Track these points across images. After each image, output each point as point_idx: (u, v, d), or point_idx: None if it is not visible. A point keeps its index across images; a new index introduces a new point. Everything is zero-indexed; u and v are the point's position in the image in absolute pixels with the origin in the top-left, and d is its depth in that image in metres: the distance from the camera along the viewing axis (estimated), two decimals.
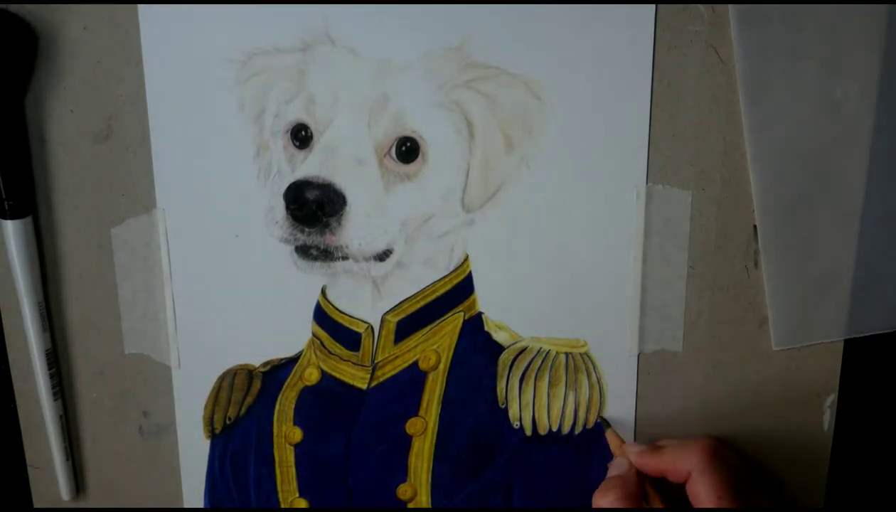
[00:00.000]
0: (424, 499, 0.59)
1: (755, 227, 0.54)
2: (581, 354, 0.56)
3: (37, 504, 0.61)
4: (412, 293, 0.56)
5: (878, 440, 0.60)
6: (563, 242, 0.55)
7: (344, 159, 0.53)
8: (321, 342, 0.57)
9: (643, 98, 0.52)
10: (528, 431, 0.57)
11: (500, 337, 0.57)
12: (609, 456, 0.57)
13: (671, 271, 0.55)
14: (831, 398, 0.58)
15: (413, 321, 0.56)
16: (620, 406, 0.57)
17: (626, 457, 0.55)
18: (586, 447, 0.57)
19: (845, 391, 0.58)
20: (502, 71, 0.52)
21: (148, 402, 0.58)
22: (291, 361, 0.58)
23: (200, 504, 0.60)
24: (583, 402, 0.57)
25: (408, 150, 0.53)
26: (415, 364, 0.57)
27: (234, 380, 0.58)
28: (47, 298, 0.56)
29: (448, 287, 0.56)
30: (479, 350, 0.57)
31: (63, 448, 0.58)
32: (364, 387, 0.57)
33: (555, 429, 0.57)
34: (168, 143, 0.54)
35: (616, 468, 0.55)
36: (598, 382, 0.57)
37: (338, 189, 0.52)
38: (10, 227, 0.53)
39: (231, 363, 0.58)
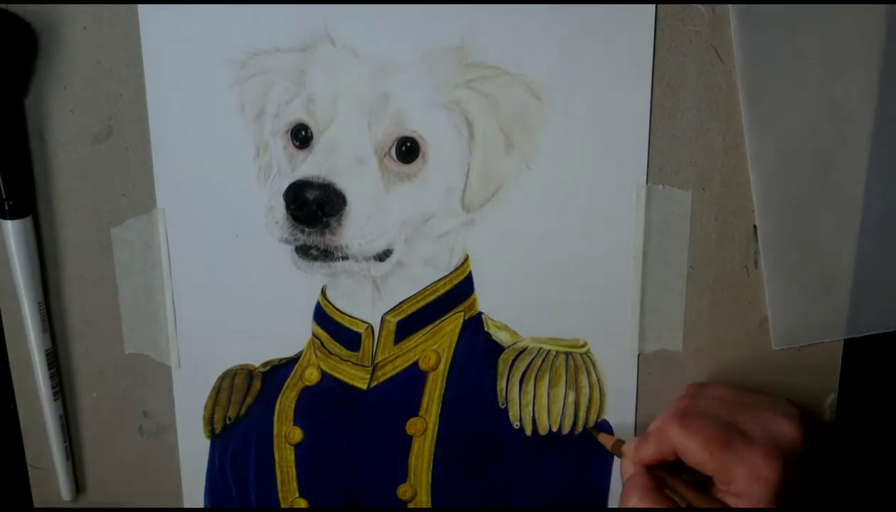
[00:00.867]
0: (424, 499, 0.59)
1: (755, 227, 0.54)
2: (581, 354, 0.56)
3: (37, 504, 0.61)
4: (412, 293, 0.56)
5: (879, 440, 0.60)
6: (563, 242, 0.55)
7: (344, 159, 0.53)
8: (321, 342, 0.57)
9: (643, 98, 0.52)
10: (528, 432, 0.57)
11: (500, 337, 0.57)
12: (609, 456, 0.57)
13: (671, 271, 0.55)
14: (831, 398, 0.58)
15: (413, 321, 0.56)
16: (620, 406, 0.57)
17: (624, 453, 0.54)
18: (586, 447, 0.57)
19: (845, 391, 0.58)
20: (502, 71, 0.52)
21: (148, 402, 0.58)
22: (291, 361, 0.58)
23: (200, 504, 0.60)
24: (583, 402, 0.57)
25: (408, 150, 0.53)
26: (415, 364, 0.57)
27: (234, 380, 0.58)
28: (47, 298, 0.56)
29: (448, 287, 0.56)
30: (479, 350, 0.57)
31: (63, 448, 0.58)
32: (364, 387, 0.57)
33: (555, 429, 0.57)
34: (168, 143, 0.54)
35: (625, 472, 0.54)
36: (598, 382, 0.57)
37: (338, 189, 0.52)
38: (10, 227, 0.53)
39: (231, 363, 0.58)
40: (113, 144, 0.54)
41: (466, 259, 0.55)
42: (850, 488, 0.60)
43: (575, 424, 0.57)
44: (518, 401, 0.57)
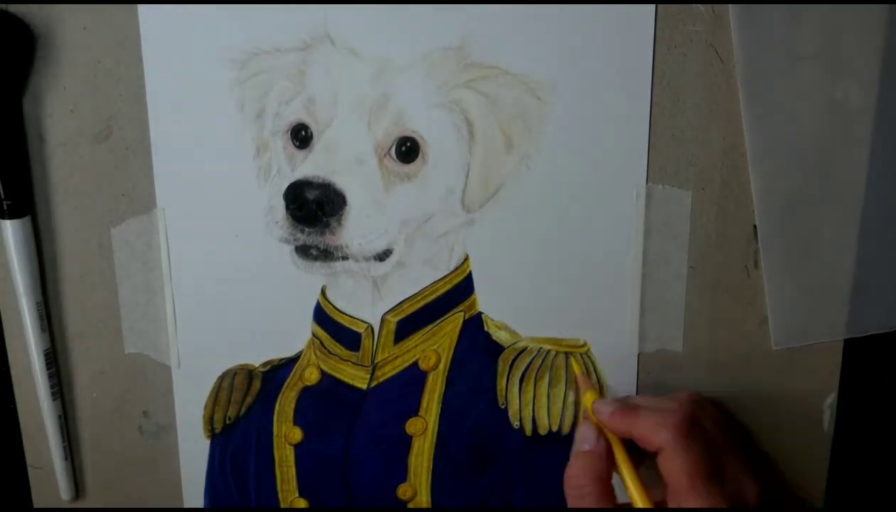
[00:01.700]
0: (424, 499, 0.59)
1: (755, 227, 0.54)
2: (581, 355, 0.56)
3: (37, 504, 0.61)
4: (412, 293, 0.56)
5: (878, 440, 0.60)
6: (563, 242, 0.55)
7: (344, 159, 0.53)
8: (321, 342, 0.57)
9: (643, 98, 0.52)
10: (528, 431, 0.57)
11: (500, 337, 0.57)
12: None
13: (671, 271, 0.55)
14: (831, 398, 0.58)
15: (413, 321, 0.56)
16: None
17: (596, 415, 0.51)
18: None
19: (845, 391, 0.58)
20: (502, 71, 0.52)
21: (148, 402, 0.58)
22: (291, 361, 0.58)
23: (200, 504, 0.60)
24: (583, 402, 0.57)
25: (408, 150, 0.53)
26: (415, 364, 0.57)
27: (234, 380, 0.58)
28: (46, 298, 0.56)
29: (448, 287, 0.56)
30: (479, 350, 0.57)
31: (63, 448, 0.58)
32: (364, 387, 0.57)
33: (555, 429, 0.57)
34: (168, 143, 0.53)
35: (584, 440, 0.51)
36: (598, 382, 0.57)
37: (338, 189, 0.52)
38: (10, 227, 0.53)
39: (231, 363, 0.58)
40: (113, 144, 0.54)
41: (466, 259, 0.55)
42: (850, 488, 0.60)
43: (575, 423, 0.57)
44: (518, 401, 0.57)
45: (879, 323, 0.57)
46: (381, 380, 0.57)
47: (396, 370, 0.57)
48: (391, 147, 0.53)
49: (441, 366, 0.57)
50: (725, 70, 0.52)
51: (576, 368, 0.55)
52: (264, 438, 0.59)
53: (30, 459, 0.60)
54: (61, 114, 0.53)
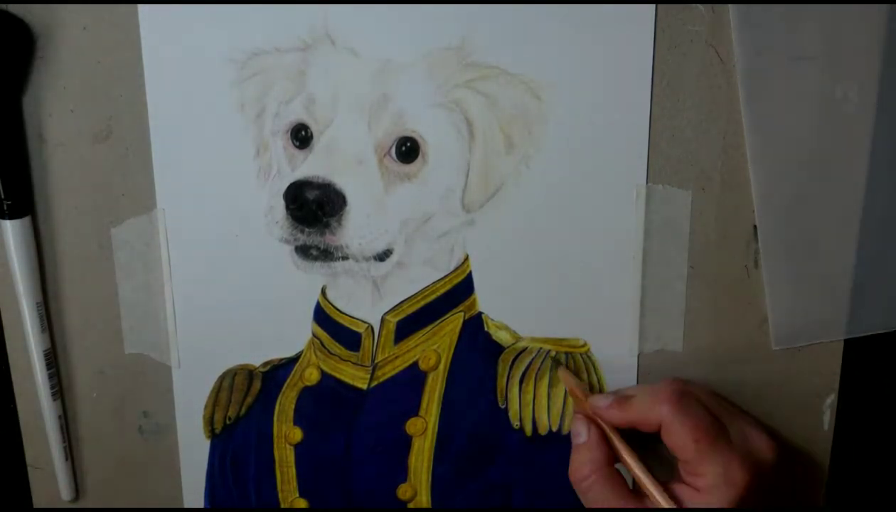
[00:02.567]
0: (424, 499, 0.59)
1: (755, 227, 0.54)
2: (581, 355, 0.56)
3: (37, 504, 0.61)
4: (412, 293, 0.56)
5: (878, 440, 0.60)
6: (563, 242, 0.55)
7: (344, 159, 0.53)
8: (321, 342, 0.57)
9: (643, 98, 0.52)
10: (528, 432, 0.57)
11: (500, 337, 0.57)
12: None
13: (671, 271, 0.55)
14: (831, 398, 0.58)
15: (413, 321, 0.56)
16: None
17: (589, 412, 0.52)
18: None
19: (845, 391, 0.58)
20: (502, 71, 0.52)
21: (148, 402, 0.58)
22: (291, 361, 0.58)
23: (200, 504, 0.60)
24: None
25: (408, 150, 0.53)
26: (415, 364, 0.57)
27: (234, 380, 0.58)
28: (46, 298, 0.56)
29: (448, 287, 0.56)
30: (479, 350, 0.57)
31: (63, 448, 0.58)
32: (364, 387, 0.57)
33: (555, 429, 0.57)
34: (168, 143, 0.53)
35: (577, 435, 0.52)
36: (599, 383, 0.57)
37: (338, 189, 0.52)
38: (9, 227, 0.53)
39: (231, 363, 0.58)
40: (113, 144, 0.54)
41: (466, 259, 0.55)
42: (850, 488, 0.60)
43: None
44: (518, 401, 0.57)
45: (879, 323, 0.57)
46: (381, 380, 0.57)
47: (396, 370, 0.57)
48: (391, 147, 0.53)
49: (441, 366, 0.57)
50: (725, 70, 0.52)
51: (561, 372, 0.55)
52: (264, 439, 0.59)
53: (30, 459, 0.60)
54: (61, 114, 0.53)
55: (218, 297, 0.56)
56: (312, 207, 0.52)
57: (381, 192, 0.53)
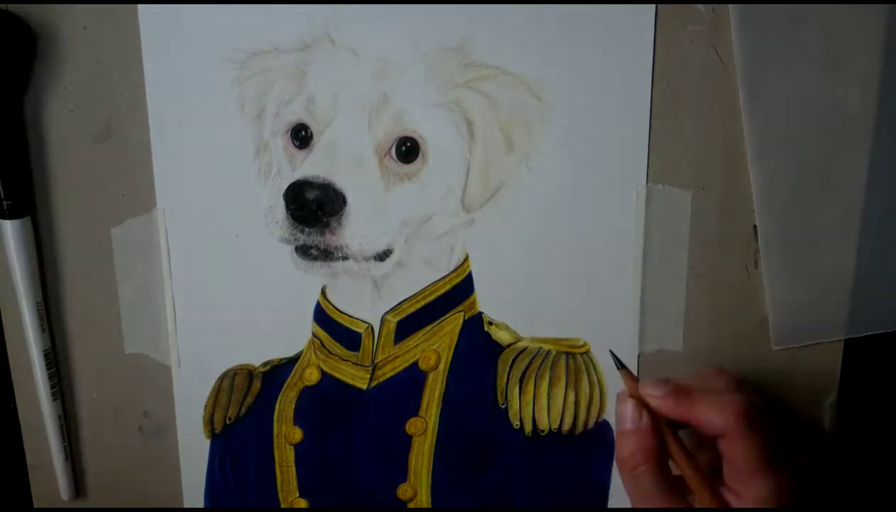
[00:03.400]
0: (424, 499, 0.59)
1: (755, 226, 0.54)
2: (581, 355, 0.56)
3: (37, 504, 0.61)
4: (412, 293, 0.56)
5: (878, 440, 0.60)
6: (563, 242, 0.55)
7: (344, 159, 0.53)
8: (321, 342, 0.57)
9: (643, 98, 0.52)
10: (529, 431, 0.57)
11: (500, 337, 0.57)
12: (610, 456, 0.57)
13: (671, 271, 0.55)
14: (831, 398, 0.58)
15: (413, 321, 0.56)
16: None
17: (642, 398, 0.49)
18: (586, 447, 0.57)
19: (845, 391, 0.58)
20: (502, 71, 0.52)
21: (148, 402, 0.58)
22: (291, 361, 0.58)
23: (200, 504, 0.60)
24: (583, 402, 0.57)
25: (408, 150, 0.53)
26: (415, 364, 0.57)
27: (234, 380, 0.58)
28: (46, 298, 0.56)
29: (448, 287, 0.56)
30: (479, 350, 0.57)
31: (63, 448, 0.58)
32: (364, 387, 0.57)
33: (555, 428, 0.57)
34: (168, 143, 0.54)
35: (626, 419, 0.49)
36: (599, 383, 0.57)
37: (338, 189, 0.52)
38: (9, 226, 0.53)
39: (231, 363, 0.58)
40: (113, 144, 0.54)
41: (466, 259, 0.55)
42: (850, 488, 0.60)
43: (575, 423, 0.57)
44: (518, 401, 0.57)
45: (880, 323, 0.57)
46: (381, 380, 0.57)
47: (396, 370, 0.57)
48: (391, 147, 0.53)
49: (441, 366, 0.57)
50: (725, 70, 0.52)
51: (625, 379, 0.51)
52: (264, 439, 0.59)
53: (30, 459, 0.60)
54: (61, 114, 0.53)
55: (218, 297, 0.56)
56: (312, 207, 0.52)
57: (381, 192, 0.53)
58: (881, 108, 0.52)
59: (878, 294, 0.56)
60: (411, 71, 0.52)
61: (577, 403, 0.57)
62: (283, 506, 0.60)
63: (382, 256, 0.55)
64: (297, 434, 0.58)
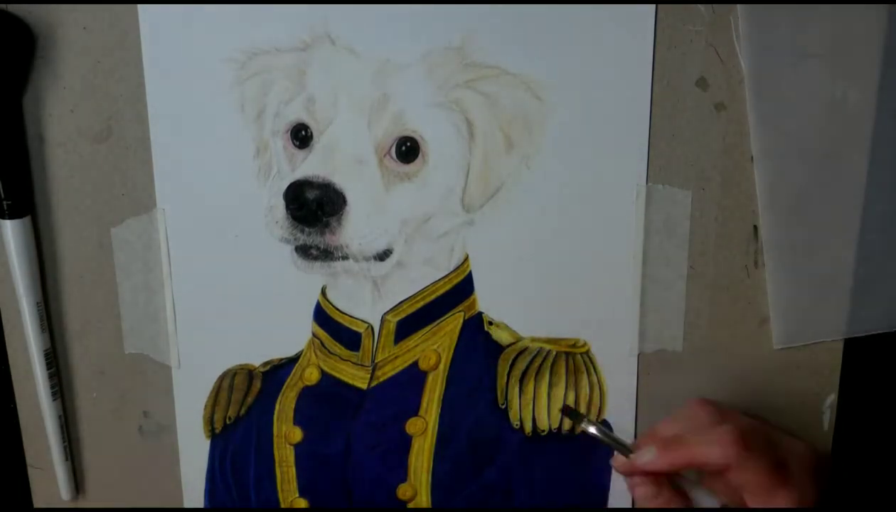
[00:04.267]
0: (424, 499, 0.59)
1: (755, 226, 0.54)
2: (581, 355, 0.56)
3: (37, 504, 0.61)
4: (412, 293, 0.56)
5: (878, 440, 0.60)
6: (563, 242, 0.55)
7: (344, 159, 0.53)
8: (321, 342, 0.57)
9: (643, 98, 0.52)
10: (529, 431, 0.57)
11: (500, 337, 0.57)
12: (610, 456, 0.57)
13: (671, 271, 0.55)
14: (831, 398, 0.58)
15: (413, 321, 0.56)
16: (620, 406, 0.57)
17: (644, 466, 0.49)
18: (586, 447, 0.57)
19: (845, 391, 0.58)
20: (502, 71, 0.52)
21: (148, 402, 0.58)
22: (291, 361, 0.58)
23: (200, 504, 0.60)
24: (583, 402, 0.57)
25: (408, 150, 0.53)
26: (415, 364, 0.57)
27: (234, 380, 0.58)
28: (46, 298, 0.56)
29: (448, 287, 0.56)
30: (479, 350, 0.57)
31: (63, 448, 0.58)
32: (364, 387, 0.57)
33: (555, 428, 0.57)
34: (168, 143, 0.53)
35: (648, 498, 0.49)
36: (599, 383, 0.57)
37: (338, 189, 0.52)
38: (9, 226, 0.53)
39: (231, 363, 0.58)
40: (113, 144, 0.54)
41: (466, 259, 0.55)
42: (850, 489, 0.60)
43: (575, 424, 0.57)
44: (518, 401, 0.57)
45: (880, 323, 0.57)
46: (381, 380, 0.57)
47: (396, 370, 0.57)
48: (391, 147, 0.53)
49: (441, 366, 0.57)
50: (725, 70, 0.52)
51: (594, 429, 0.52)
52: (264, 438, 0.59)
53: (30, 459, 0.60)
54: (61, 114, 0.53)
55: (218, 297, 0.56)
56: (312, 207, 0.52)
57: (381, 192, 0.53)
58: (883, 107, 0.52)
59: (879, 294, 0.56)
60: (411, 71, 0.52)
61: (576, 403, 0.57)
62: (283, 506, 0.60)
63: (382, 256, 0.55)
64: (297, 434, 0.58)
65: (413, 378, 0.57)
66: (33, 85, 0.52)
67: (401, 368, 0.57)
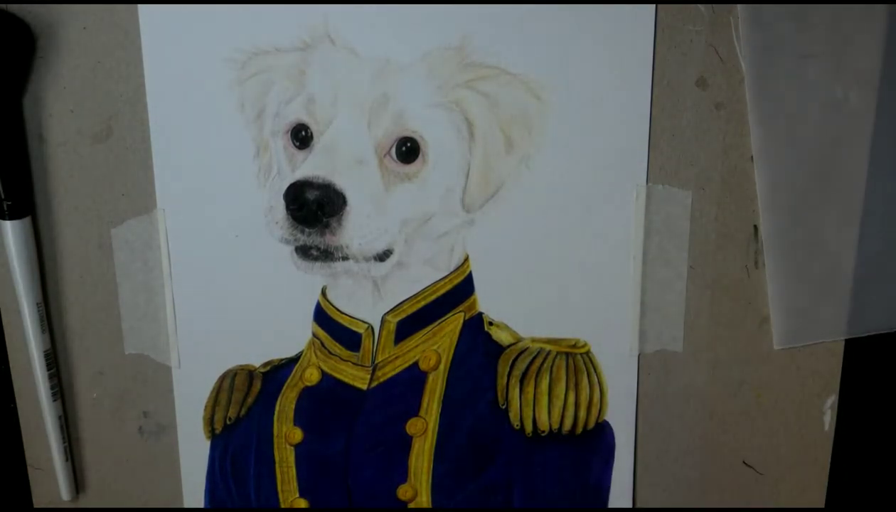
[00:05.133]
0: (425, 499, 0.59)
1: (755, 226, 0.54)
2: (581, 355, 0.56)
3: (37, 504, 0.61)
4: (412, 293, 0.56)
5: (878, 440, 0.60)
6: (563, 242, 0.55)
7: (344, 159, 0.53)
8: (321, 342, 0.57)
9: (643, 98, 0.52)
10: (529, 432, 0.57)
11: (500, 337, 0.57)
12: (610, 456, 0.57)
13: (671, 271, 0.55)
14: (831, 398, 0.58)
15: (413, 321, 0.56)
16: (621, 406, 0.57)
17: None
18: (586, 447, 0.57)
19: (845, 391, 0.58)
20: (502, 71, 0.52)
21: (148, 402, 0.58)
22: (292, 362, 0.58)
23: (200, 504, 0.60)
24: (583, 402, 0.57)
25: (408, 150, 0.53)
26: (415, 364, 0.57)
27: (234, 380, 0.58)
28: (46, 299, 0.56)
29: (448, 287, 0.56)
30: (479, 350, 0.57)
31: (63, 448, 0.58)
32: (364, 387, 0.57)
33: (555, 428, 0.57)
34: (168, 143, 0.53)
35: None
36: (599, 383, 0.57)
37: (338, 189, 0.52)
38: (10, 227, 0.53)
39: (231, 363, 0.58)
40: (113, 144, 0.54)
41: (466, 259, 0.55)
42: (850, 488, 0.60)
43: (575, 424, 0.57)
44: (518, 401, 0.57)
45: (880, 323, 0.57)
46: (381, 380, 0.57)
47: (397, 370, 0.57)
48: (391, 147, 0.53)
49: (441, 366, 0.57)
50: (725, 70, 0.52)
51: None
52: (264, 439, 0.59)
53: (30, 459, 0.60)
54: (61, 114, 0.53)
55: (218, 297, 0.56)
56: (312, 208, 0.52)
57: (381, 193, 0.53)
58: (883, 107, 0.52)
59: (879, 294, 0.56)
60: (411, 71, 0.52)
61: (577, 404, 0.57)
62: (283, 506, 0.60)
63: (382, 257, 0.55)
64: (298, 434, 0.58)
65: (413, 378, 0.57)
66: (33, 85, 0.52)
67: (401, 369, 0.57)
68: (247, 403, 0.58)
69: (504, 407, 0.57)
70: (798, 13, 0.51)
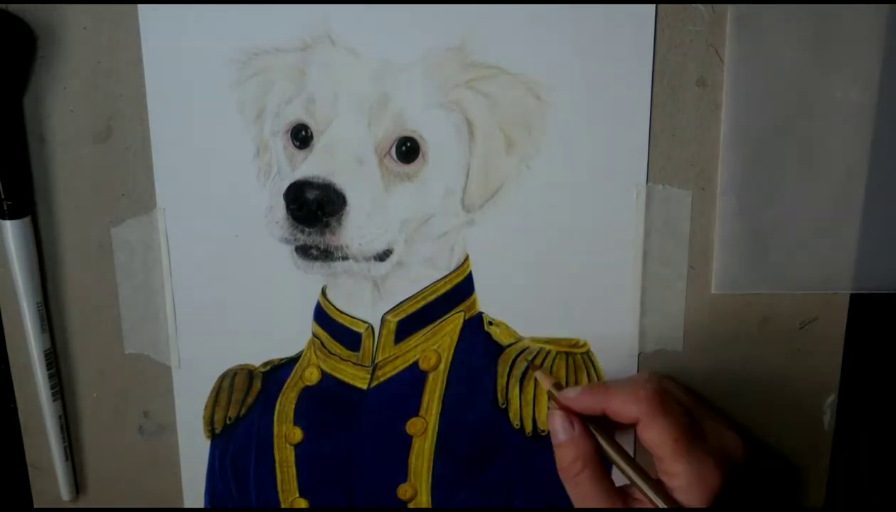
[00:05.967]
0: (425, 499, 0.59)
1: None
2: (581, 355, 0.56)
3: (37, 504, 0.61)
4: (412, 293, 0.56)
5: (878, 440, 0.60)
6: (563, 242, 0.55)
7: (344, 159, 0.53)
8: (321, 342, 0.57)
9: (643, 98, 0.52)
10: (529, 431, 0.57)
11: (500, 337, 0.57)
12: None
13: (671, 271, 0.55)
14: (831, 398, 0.58)
15: (413, 321, 0.56)
16: None
17: (566, 402, 0.51)
18: None
19: (845, 391, 0.58)
20: (502, 71, 0.52)
21: (148, 402, 0.58)
22: (292, 361, 0.58)
23: (200, 504, 0.60)
24: None
25: (408, 150, 0.53)
26: (415, 364, 0.57)
27: (234, 380, 0.58)
28: (47, 299, 0.56)
29: (448, 287, 0.56)
30: (479, 350, 0.57)
31: (63, 448, 0.58)
32: (364, 387, 0.57)
33: None
34: (168, 143, 0.54)
35: (559, 432, 0.50)
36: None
37: (338, 189, 0.52)
38: (10, 227, 0.53)
39: (231, 363, 0.58)
40: (113, 144, 0.54)
41: (466, 259, 0.55)
42: (850, 488, 0.60)
43: None
44: (518, 401, 0.57)
45: (822, 283, 0.55)
46: (381, 380, 0.57)
47: (397, 370, 0.57)
48: (391, 147, 0.53)
49: (441, 366, 0.57)
50: (725, 70, 0.52)
51: (538, 374, 0.53)
52: (264, 439, 0.59)
53: (30, 459, 0.60)
54: (61, 114, 0.53)
55: (218, 297, 0.56)
56: (312, 207, 0.52)
57: (381, 192, 0.53)
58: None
59: (823, 254, 0.55)
60: (411, 71, 0.52)
61: None
62: (283, 506, 0.60)
63: (382, 256, 0.55)
64: (298, 434, 0.58)
65: (413, 378, 0.57)
66: (33, 85, 0.52)
67: (401, 369, 0.57)
68: (247, 402, 0.58)
69: (504, 407, 0.57)
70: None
